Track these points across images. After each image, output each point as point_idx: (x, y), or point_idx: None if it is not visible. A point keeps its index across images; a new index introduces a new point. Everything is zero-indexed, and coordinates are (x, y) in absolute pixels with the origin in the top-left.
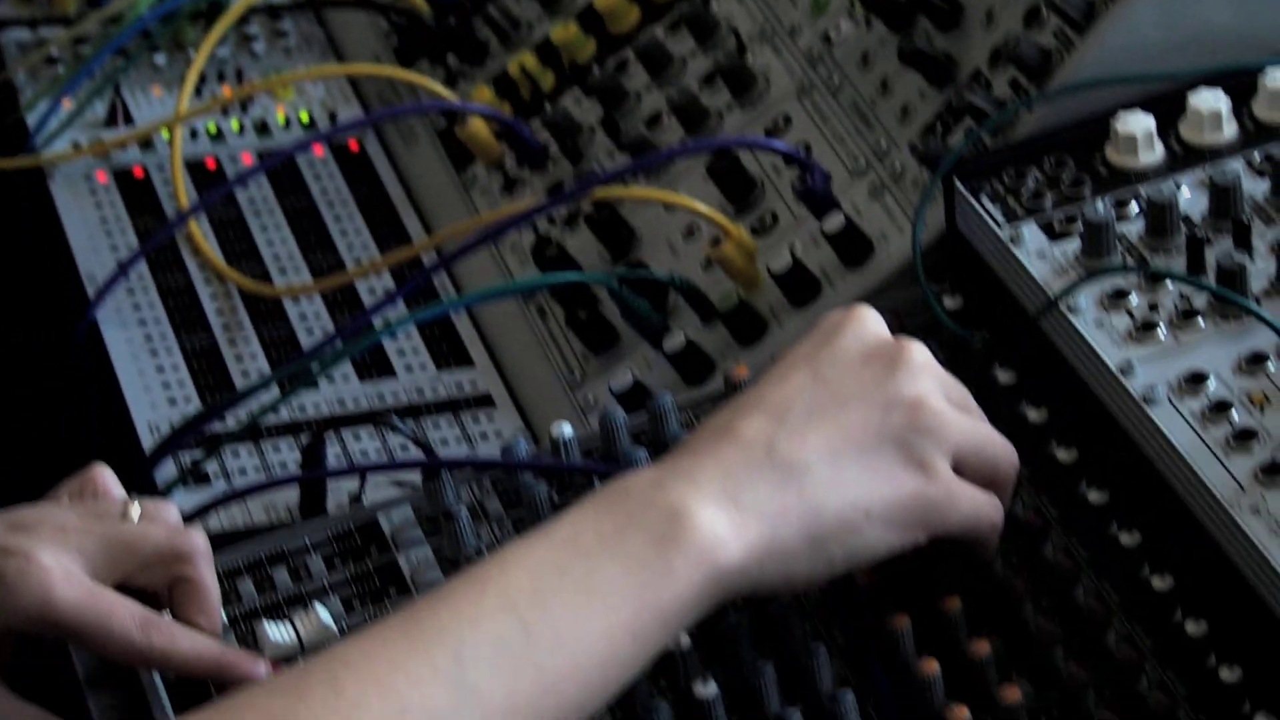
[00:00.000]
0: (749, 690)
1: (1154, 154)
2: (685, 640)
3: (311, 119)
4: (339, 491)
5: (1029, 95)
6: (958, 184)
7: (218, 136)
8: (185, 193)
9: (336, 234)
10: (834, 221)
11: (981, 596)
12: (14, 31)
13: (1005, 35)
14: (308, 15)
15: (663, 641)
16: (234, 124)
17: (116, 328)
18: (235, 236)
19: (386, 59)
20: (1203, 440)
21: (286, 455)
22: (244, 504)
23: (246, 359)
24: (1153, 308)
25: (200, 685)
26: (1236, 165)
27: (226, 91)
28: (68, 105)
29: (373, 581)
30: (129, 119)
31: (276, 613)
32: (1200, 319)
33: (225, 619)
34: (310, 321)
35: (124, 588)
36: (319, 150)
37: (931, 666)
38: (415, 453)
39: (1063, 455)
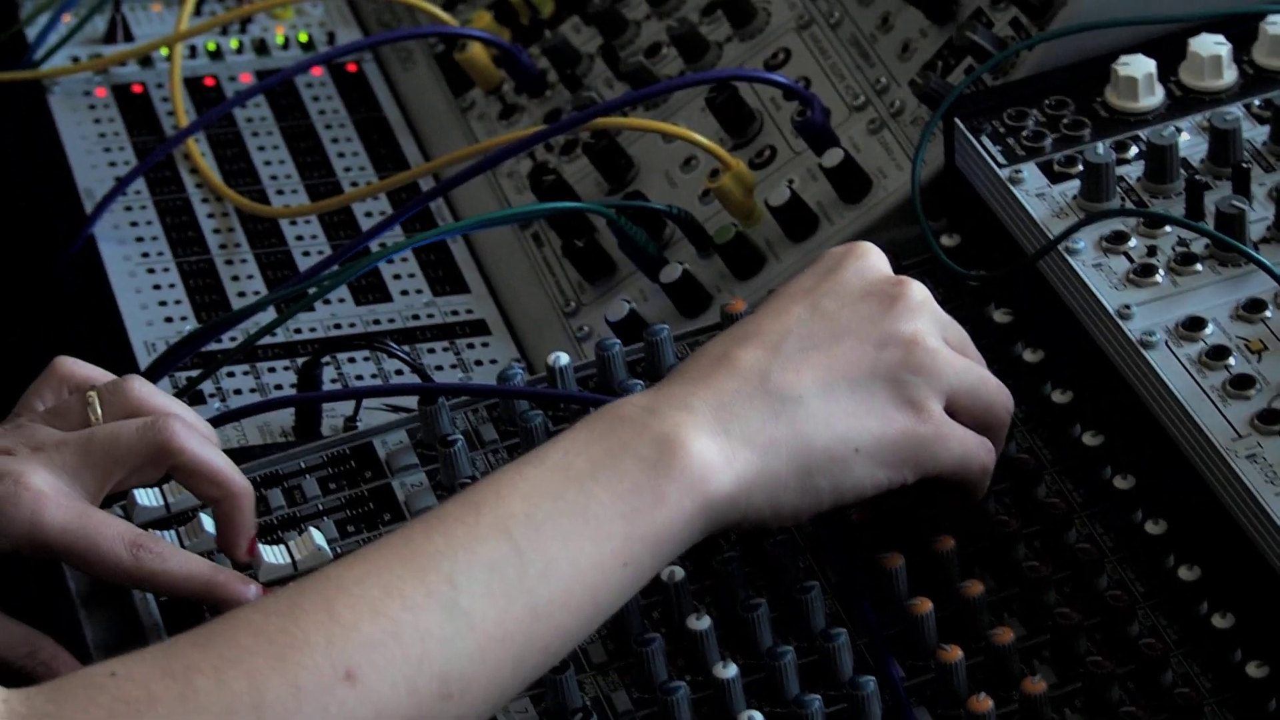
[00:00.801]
0: (742, 625)
1: (1154, 97)
2: (680, 573)
3: (310, 39)
4: (334, 414)
5: (1030, 35)
6: (958, 123)
7: (217, 55)
8: (184, 111)
9: (333, 155)
10: (833, 156)
11: (974, 537)
12: None
13: None
14: None
15: (653, 570)
16: (233, 43)
17: (113, 244)
18: (233, 156)
19: None
20: (1199, 386)
21: (281, 376)
22: (239, 424)
23: (243, 279)
24: (1151, 251)
25: (195, 606)
26: (1236, 110)
27: (226, 10)
28: (67, 20)
29: (366, 505)
30: (129, 35)
31: (271, 535)
32: (1199, 264)
33: None
34: (306, 243)
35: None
36: (317, 71)
37: (924, 605)
38: (410, 377)
39: (1058, 397)
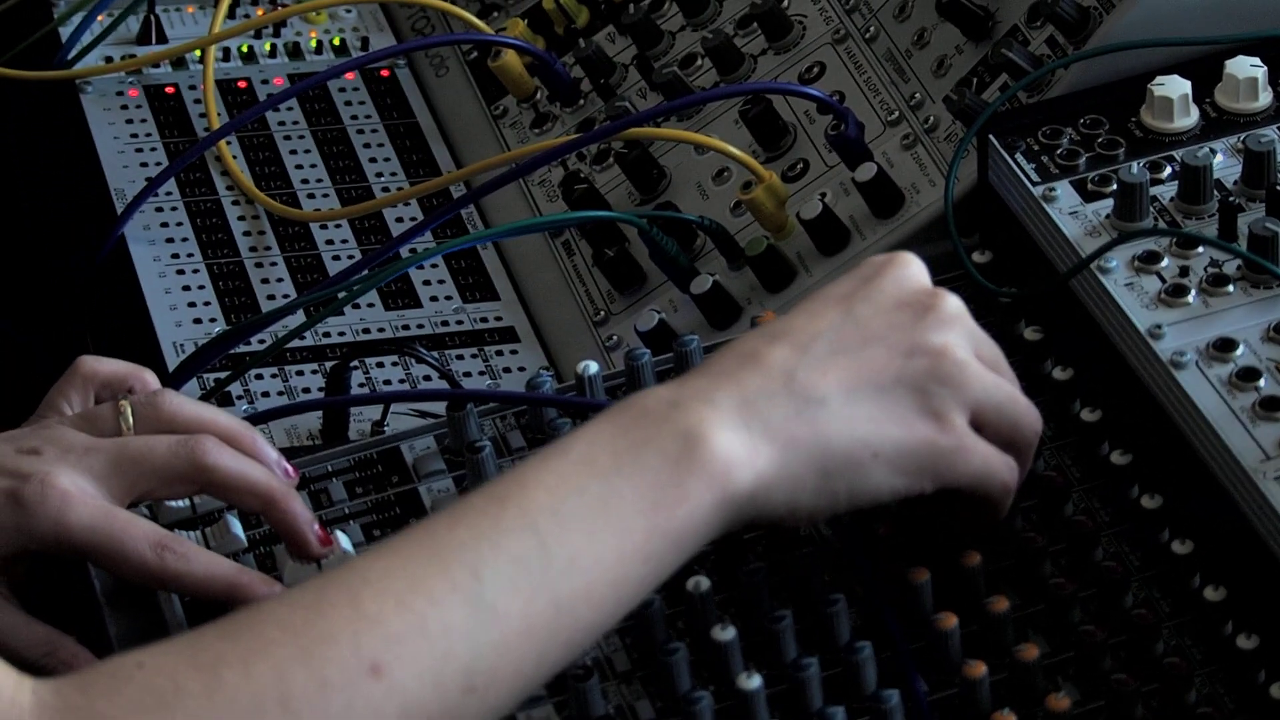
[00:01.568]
0: (767, 636)
1: (1189, 118)
2: (705, 583)
3: (344, 44)
4: (361, 418)
5: (1066, 54)
6: (992, 139)
7: (249, 57)
8: (216, 113)
9: (365, 160)
10: (866, 171)
11: (1001, 553)
12: None
13: None
14: None
15: (674, 565)
16: (266, 46)
17: (144, 245)
18: (265, 159)
19: None
20: (1229, 407)
21: (310, 380)
22: (266, 427)
23: (272, 281)
24: (1184, 272)
25: (220, 605)
26: (1271, 133)
27: (260, 13)
28: (101, 20)
29: (393, 510)
30: (162, 36)
31: None
32: (1231, 285)
33: (246, 542)
34: (337, 247)
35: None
36: (350, 76)
37: (949, 621)
38: (439, 383)
39: (1087, 416)
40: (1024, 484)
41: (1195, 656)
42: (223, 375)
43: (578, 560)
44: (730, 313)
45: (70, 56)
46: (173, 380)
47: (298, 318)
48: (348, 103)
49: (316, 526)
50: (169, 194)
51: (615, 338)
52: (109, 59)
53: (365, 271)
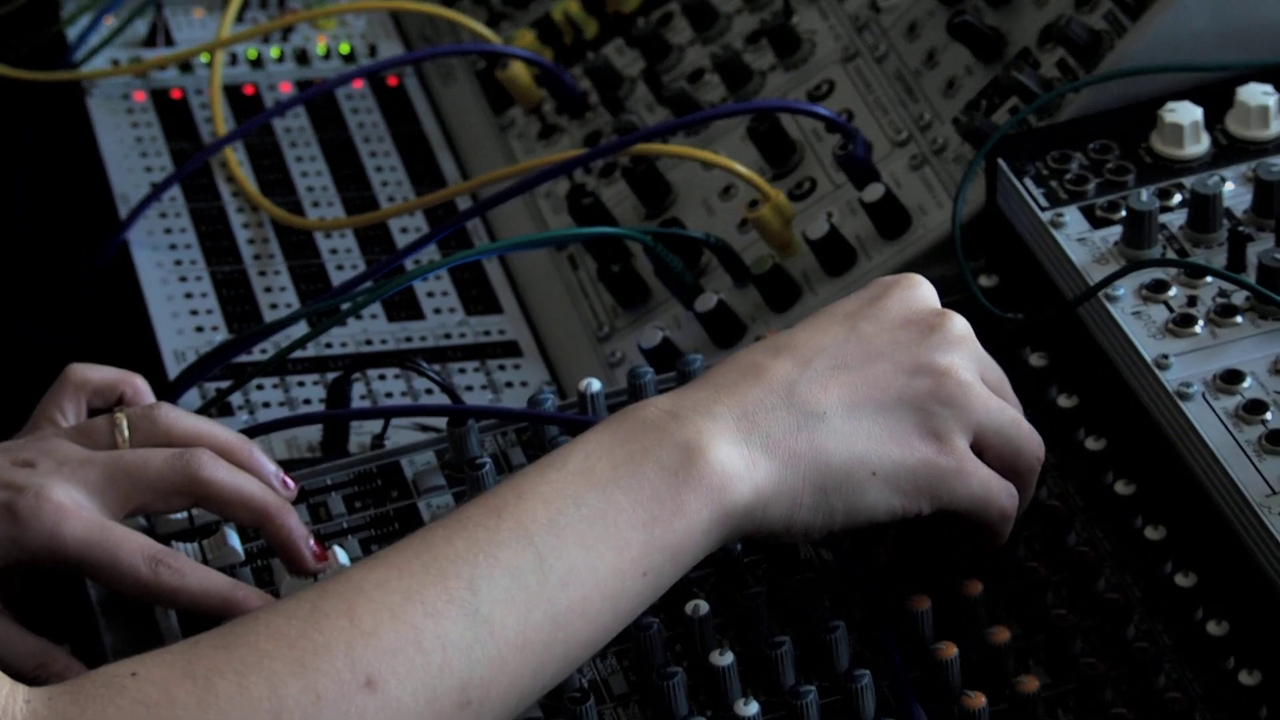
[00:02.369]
0: (765, 662)
1: (1200, 145)
2: (704, 607)
3: (352, 51)
4: (361, 431)
5: (1077, 77)
6: (1001, 163)
7: (257, 63)
8: (222, 118)
9: (371, 169)
10: (873, 191)
11: (1003, 582)
12: None
13: (1056, 15)
14: None
15: (671, 579)
16: (274, 51)
17: (147, 250)
18: (270, 166)
19: None
20: (1235, 439)
21: (311, 391)
22: (266, 439)
23: (275, 290)
24: (1192, 302)
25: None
26: None
27: (268, 18)
28: (109, 22)
29: (392, 525)
30: (170, 40)
31: None
32: (1239, 316)
33: (243, 555)
34: (341, 256)
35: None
36: (358, 84)
37: (950, 650)
38: (441, 397)
39: (1091, 444)
40: (1026, 512)
41: (1196, 691)
42: (224, 385)
43: (574, 573)
44: (734, 331)
45: (77, 58)
46: (173, 389)
47: (300, 328)
48: (355, 110)
49: (312, 541)
50: (173, 199)
51: (619, 354)
52: (116, 61)
53: (369, 283)
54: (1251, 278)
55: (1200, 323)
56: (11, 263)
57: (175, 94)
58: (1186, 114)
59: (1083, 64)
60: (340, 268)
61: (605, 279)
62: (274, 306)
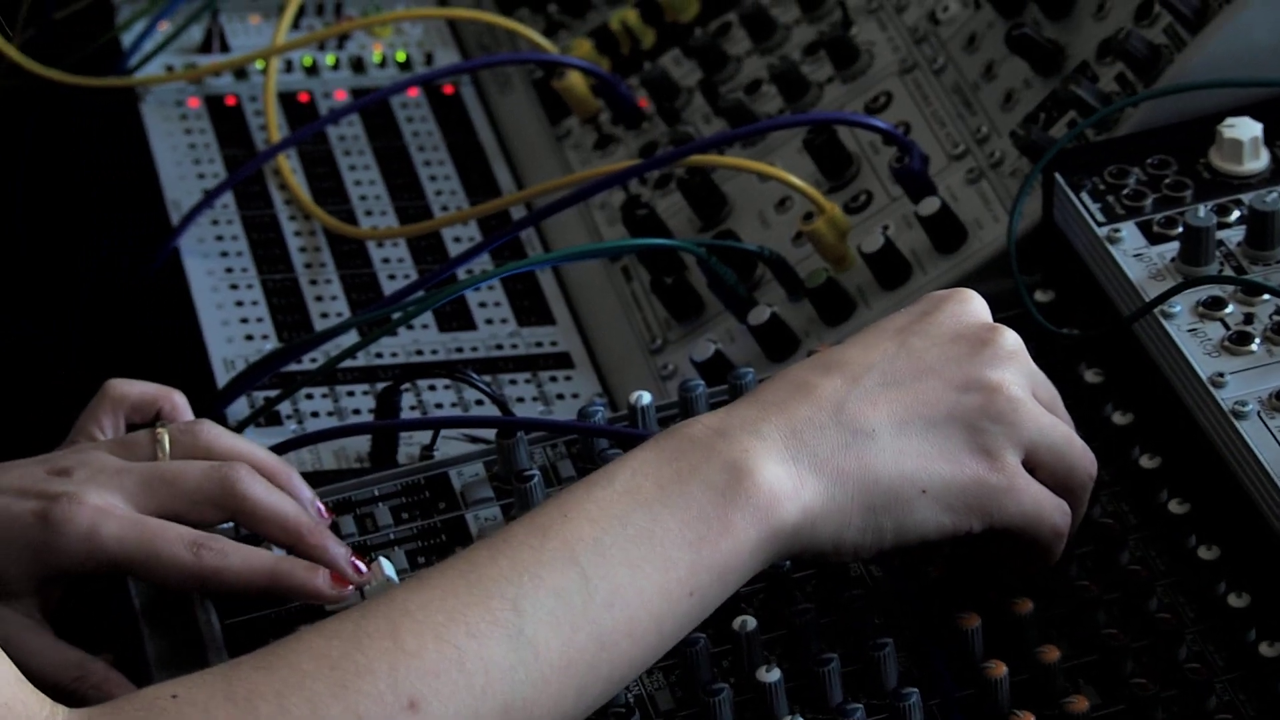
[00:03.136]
0: (813, 679)
1: (1259, 161)
2: (752, 623)
3: (408, 59)
4: (410, 442)
5: (1136, 92)
6: (1058, 177)
7: (312, 70)
8: (276, 126)
9: (425, 179)
10: (929, 205)
11: (1054, 601)
12: None
13: (1115, 28)
14: None
15: (718, 599)
16: (329, 59)
17: (198, 257)
18: (323, 174)
19: (487, 4)
20: None
21: (360, 401)
22: (314, 448)
23: (326, 299)
24: (1248, 319)
25: (257, 626)
26: None
27: (325, 25)
28: (163, 28)
29: (439, 537)
30: (225, 46)
31: None
32: None
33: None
34: (393, 266)
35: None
36: (413, 92)
37: (999, 669)
38: (491, 408)
39: (1146, 462)
40: (1079, 530)
41: (1249, 713)
42: (272, 394)
43: (620, 593)
44: (788, 345)
45: (131, 64)
46: (222, 397)
47: (350, 337)
48: (410, 119)
49: (353, 558)
50: (225, 206)
51: (671, 366)
52: (170, 68)
53: (421, 292)
54: None
55: (1257, 340)
56: (11, 263)
57: (230, 101)
58: (1246, 130)
59: (1141, 78)
60: (392, 277)
61: (658, 291)
62: (325, 316)
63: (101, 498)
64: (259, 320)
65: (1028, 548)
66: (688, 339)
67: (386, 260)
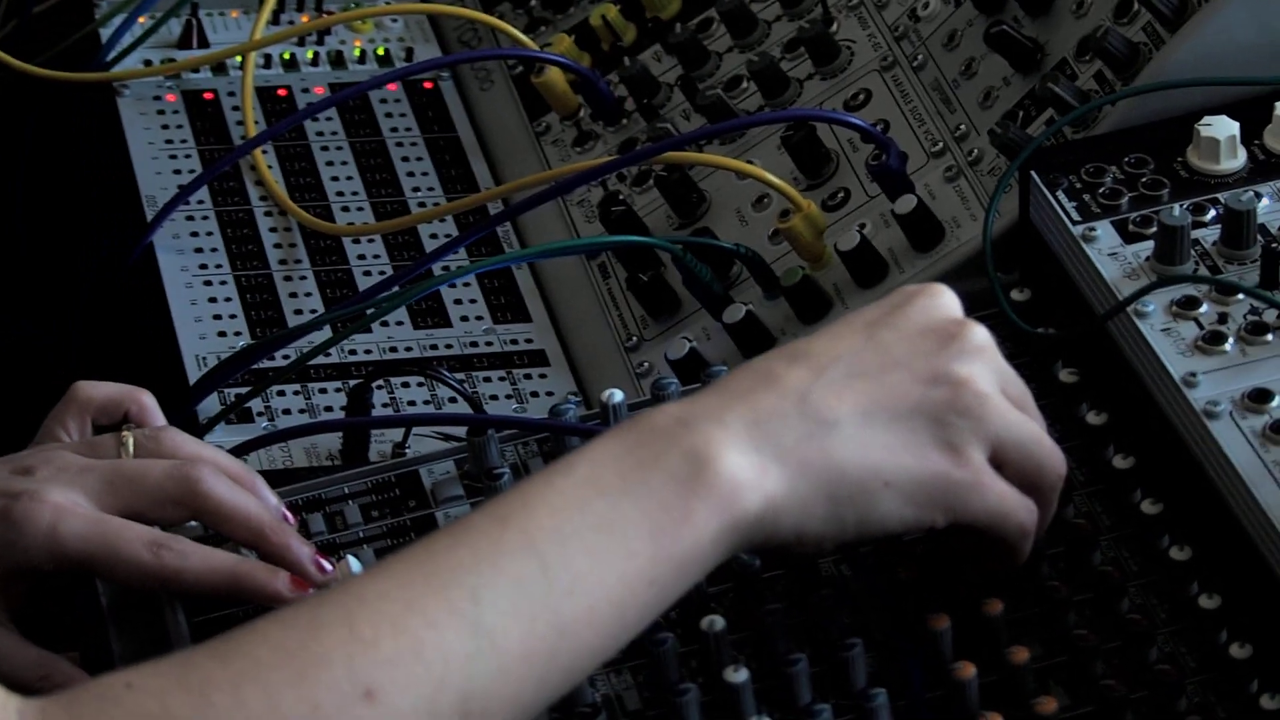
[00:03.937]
0: (781, 680)
1: (1236, 160)
2: (720, 623)
3: (388, 54)
4: (382, 439)
5: (1114, 90)
6: (1034, 176)
7: (291, 65)
8: (254, 120)
9: (403, 174)
10: (906, 203)
11: (1024, 602)
12: None
13: (1094, 26)
14: None
15: (679, 590)
16: (309, 54)
17: (172, 253)
18: (300, 170)
19: (468, 0)
20: (1262, 460)
21: (332, 398)
22: (285, 445)
23: (301, 296)
24: (1222, 319)
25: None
26: None
27: (304, 20)
28: (142, 22)
29: (408, 535)
30: (203, 41)
31: None
32: (1270, 335)
33: None
34: (369, 262)
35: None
36: (392, 87)
37: (968, 670)
38: (463, 405)
39: (1119, 462)
40: (1051, 531)
41: (1219, 715)
42: (244, 390)
43: (580, 582)
44: (763, 343)
45: (109, 58)
46: (193, 393)
47: (324, 333)
48: (388, 114)
49: (317, 557)
50: (201, 202)
51: (647, 364)
52: (148, 62)
53: (395, 288)
54: None
55: (1230, 340)
56: (11, 263)
57: (207, 96)
58: (1223, 128)
59: (1120, 76)
60: (368, 273)
61: (634, 288)
62: (299, 312)
63: (63, 495)
64: (232, 316)
65: (994, 546)
66: (664, 337)
67: (362, 256)
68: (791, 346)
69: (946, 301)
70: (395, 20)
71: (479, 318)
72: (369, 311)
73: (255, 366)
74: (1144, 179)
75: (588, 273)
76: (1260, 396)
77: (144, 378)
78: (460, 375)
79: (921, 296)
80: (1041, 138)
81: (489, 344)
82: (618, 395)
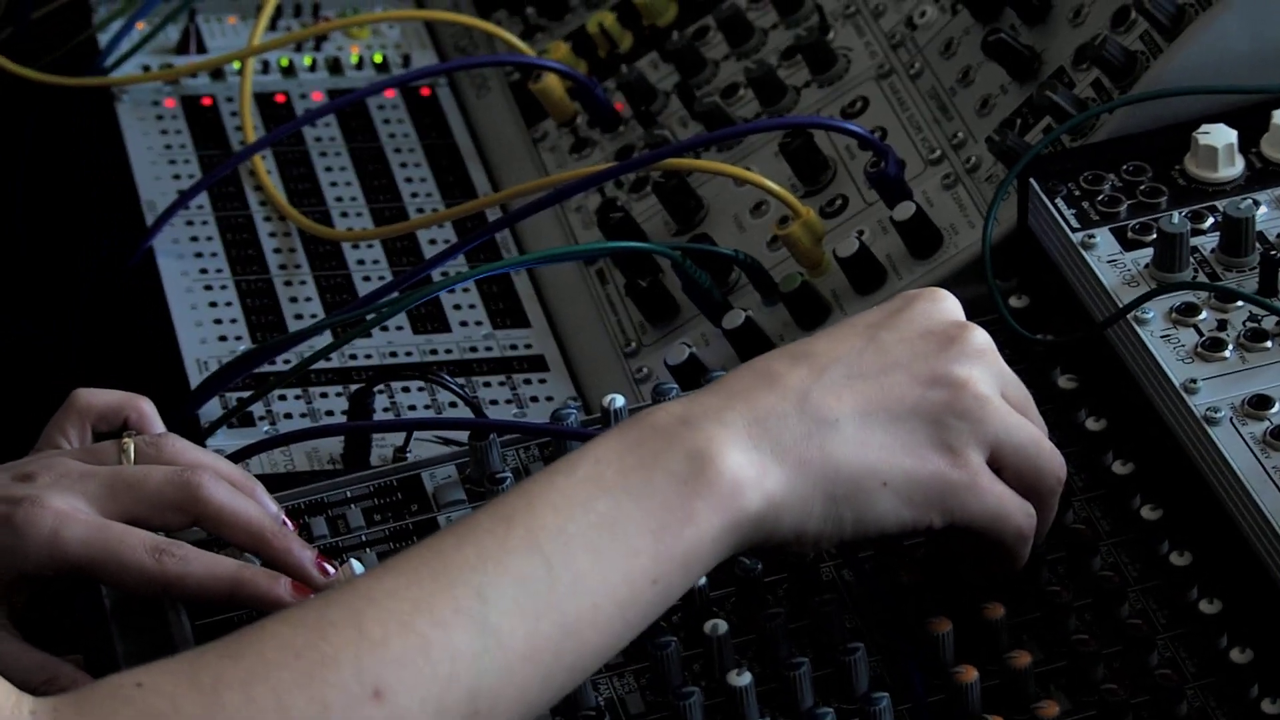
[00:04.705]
0: (784, 683)
1: (1234, 168)
2: (723, 627)
3: (385, 61)
4: (383, 444)
5: (1112, 98)
6: (1033, 183)
7: (289, 71)
8: (253, 126)
9: (401, 180)
10: (905, 210)
11: (1025, 606)
12: None
13: (1092, 35)
14: None
15: (682, 588)
16: (306, 60)
17: (172, 258)
18: (299, 175)
19: (465, 7)
20: (1262, 466)
21: (334, 402)
22: (287, 449)
23: (301, 300)
24: (1221, 326)
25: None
26: None
27: (302, 26)
28: (140, 28)
29: (410, 539)
30: (201, 47)
31: None
32: (1269, 341)
33: None
34: (368, 267)
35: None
36: (390, 93)
37: (970, 674)
38: (464, 409)
39: (1119, 468)
40: (1051, 535)
41: (1220, 719)
42: (245, 395)
43: (583, 581)
44: (762, 349)
45: (108, 64)
46: (194, 398)
47: (324, 338)
48: (386, 121)
49: (319, 560)
50: (200, 207)
51: (645, 370)
52: (146, 68)
53: (395, 293)
54: None
55: (1230, 347)
56: (11, 263)
57: (206, 101)
58: (1221, 136)
59: (1117, 84)
60: (367, 279)
61: (633, 294)
62: (299, 317)
63: (65, 501)
64: (233, 321)
65: (993, 548)
66: (662, 342)
67: (361, 262)
68: (792, 347)
69: (948, 305)
70: (392, 27)
71: (478, 323)
72: (369, 316)
73: (256, 371)
74: (1142, 187)
75: (586, 279)
76: (1260, 403)
77: (145, 382)
78: (460, 380)
79: (922, 300)
80: (1041, 145)
81: (488, 349)
82: (619, 400)
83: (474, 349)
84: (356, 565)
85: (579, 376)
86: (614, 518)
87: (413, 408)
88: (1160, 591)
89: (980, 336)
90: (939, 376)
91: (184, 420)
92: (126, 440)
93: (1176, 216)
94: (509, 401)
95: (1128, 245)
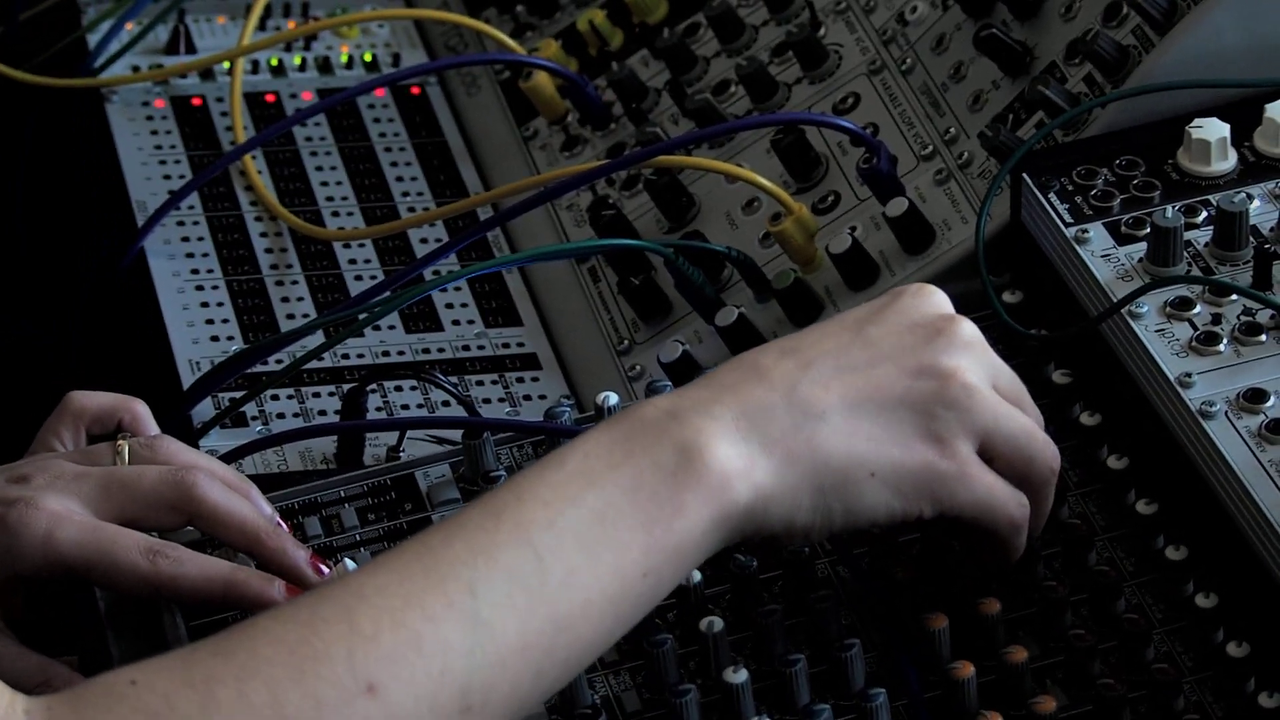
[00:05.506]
0: (780, 680)
1: (1226, 162)
2: (719, 624)
3: (375, 60)
4: (377, 443)
5: (1104, 93)
6: (1026, 178)
7: (279, 70)
8: (243, 126)
9: (391, 179)
10: (897, 205)
11: (1021, 602)
12: None
13: (1084, 29)
14: None
15: (673, 581)
16: (296, 59)
17: (164, 259)
18: (290, 175)
19: (455, 5)
20: (1258, 459)
21: (326, 402)
22: (280, 449)
23: (293, 300)
24: (1216, 320)
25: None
26: None
27: (291, 25)
28: (130, 28)
29: (404, 538)
30: (191, 47)
31: None
32: (1264, 335)
33: None
34: (360, 267)
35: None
36: (380, 93)
37: (966, 670)
38: (457, 409)
39: (1114, 463)
40: (1047, 530)
41: (1216, 713)
42: (238, 395)
43: (574, 575)
44: (755, 346)
45: (97, 64)
46: (187, 399)
47: (317, 338)
48: (376, 120)
49: (313, 559)
50: (191, 207)
51: (638, 367)
52: (136, 68)
53: (387, 293)
54: (1277, 296)
55: (1224, 341)
56: (11, 263)
57: (195, 101)
58: (1214, 130)
59: (1110, 79)
60: (359, 278)
61: (626, 292)
62: (291, 317)
63: (59, 502)
64: (225, 321)
65: (986, 539)
66: (655, 340)
67: (353, 261)
68: (781, 341)
69: (935, 299)
70: (382, 26)
71: (470, 321)
72: (362, 316)
73: (249, 371)
74: (1135, 181)
75: (578, 277)
76: (1255, 396)
77: (138, 382)
78: (452, 379)
79: (910, 295)
80: (1033, 140)
81: (481, 348)
82: (613, 398)
83: (467, 348)
84: (350, 565)
85: (572, 375)
86: (603, 511)
87: (406, 407)
88: (1156, 586)
89: (968, 328)
90: (926, 367)
91: (177, 421)
92: (121, 442)
93: (1170, 211)
94: (502, 400)
95: (1121, 240)
